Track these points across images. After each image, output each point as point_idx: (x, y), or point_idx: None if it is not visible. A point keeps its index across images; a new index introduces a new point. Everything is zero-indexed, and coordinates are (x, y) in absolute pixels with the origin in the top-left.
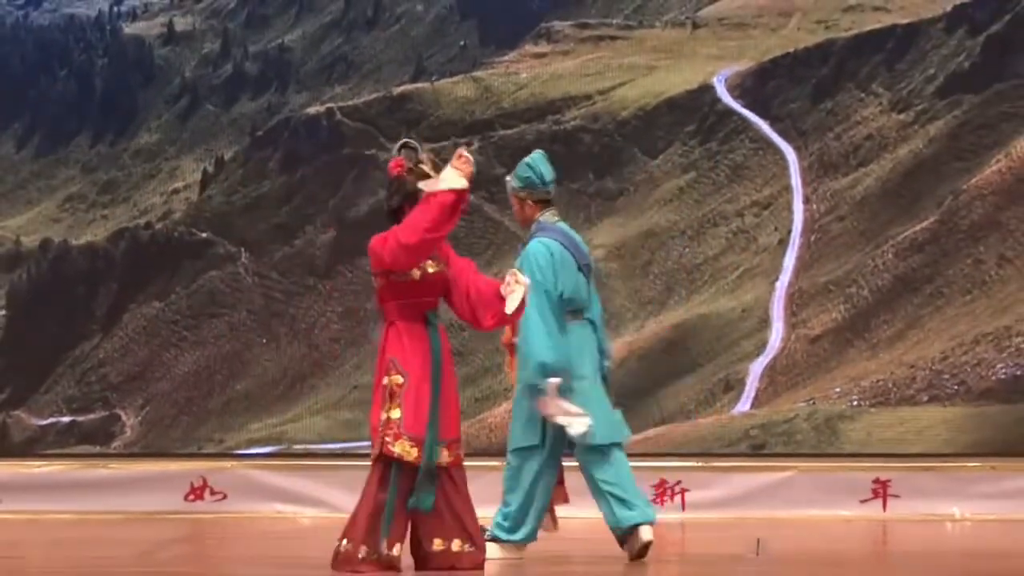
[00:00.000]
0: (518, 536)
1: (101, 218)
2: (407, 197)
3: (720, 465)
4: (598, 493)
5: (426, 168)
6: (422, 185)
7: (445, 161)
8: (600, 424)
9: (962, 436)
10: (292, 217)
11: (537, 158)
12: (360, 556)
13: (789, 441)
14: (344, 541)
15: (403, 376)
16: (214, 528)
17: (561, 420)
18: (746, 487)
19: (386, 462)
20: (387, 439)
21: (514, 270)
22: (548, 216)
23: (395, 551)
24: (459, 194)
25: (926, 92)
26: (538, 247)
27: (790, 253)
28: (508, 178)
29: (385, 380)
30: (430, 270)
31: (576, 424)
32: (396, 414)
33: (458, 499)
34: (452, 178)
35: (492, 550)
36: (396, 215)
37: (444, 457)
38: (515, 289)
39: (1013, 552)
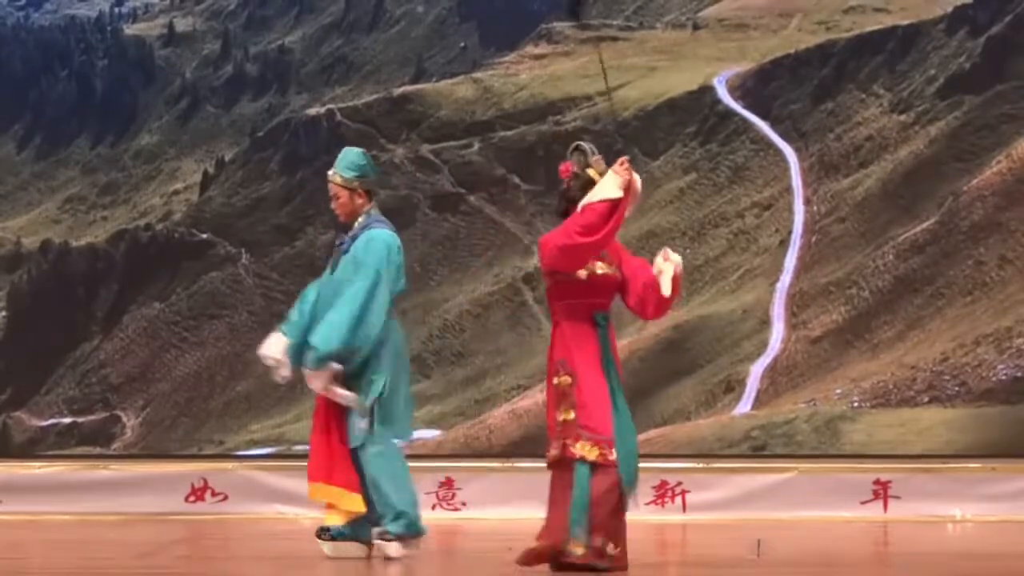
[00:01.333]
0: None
1: (101, 219)
2: (572, 202)
3: (721, 466)
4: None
5: (593, 172)
6: (586, 200)
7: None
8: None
9: (963, 437)
10: (292, 218)
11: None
12: (565, 551)
13: (790, 442)
14: (543, 542)
15: (571, 376)
16: (215, 529)
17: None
18: (747, 488)
19: (569, 464)
20: (567, 441)
21: (665, 248)
22: (375, 210)
23: (609, 549)
24: (613, 203)
25: (927, 93)
26: (387, 236)
27: (791, 254)
28: (333, 171)
29: (555, 381)
30: (599, 271)
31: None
32: (571, 415)
33: None
34: (609, 187)
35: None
36: (564, 218)
37: None
38: (664, 268)
39: (1014, 553)
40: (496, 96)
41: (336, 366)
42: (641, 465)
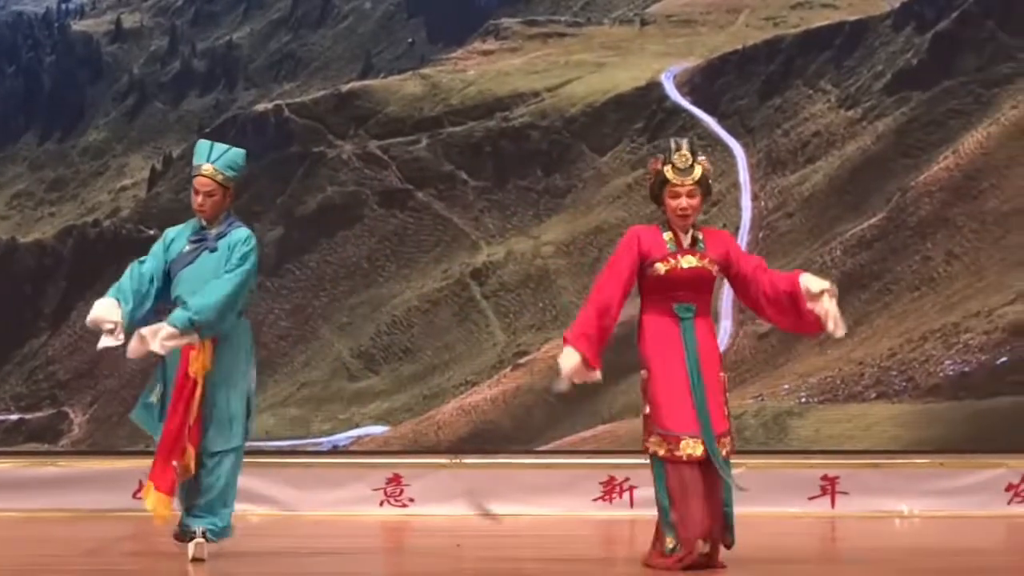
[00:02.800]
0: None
1: (49, 215)
2: (652, 198)
3: None
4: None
5: (668, 167)
6: None
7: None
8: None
9: (910, 433)
10: (240, 214)
11: None
12: (653, 551)
13: (737, 438)
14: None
15: (647, 370)
16: (162, 525)
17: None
18: None
19: (651, 458)
20: (644, 435)
21: (832, 285)
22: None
23: (700, 547)
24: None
25: (874, 89)
26: (253, 236)
27: None
28: (212, 168)
29: (640, 375)
30: (683, 265)
31: None
32: (647, 409)
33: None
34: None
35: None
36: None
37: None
38: (829, 308)
39: (961, 548)
40: (444, 92)
41: (191, 338)
42: (589, 461)
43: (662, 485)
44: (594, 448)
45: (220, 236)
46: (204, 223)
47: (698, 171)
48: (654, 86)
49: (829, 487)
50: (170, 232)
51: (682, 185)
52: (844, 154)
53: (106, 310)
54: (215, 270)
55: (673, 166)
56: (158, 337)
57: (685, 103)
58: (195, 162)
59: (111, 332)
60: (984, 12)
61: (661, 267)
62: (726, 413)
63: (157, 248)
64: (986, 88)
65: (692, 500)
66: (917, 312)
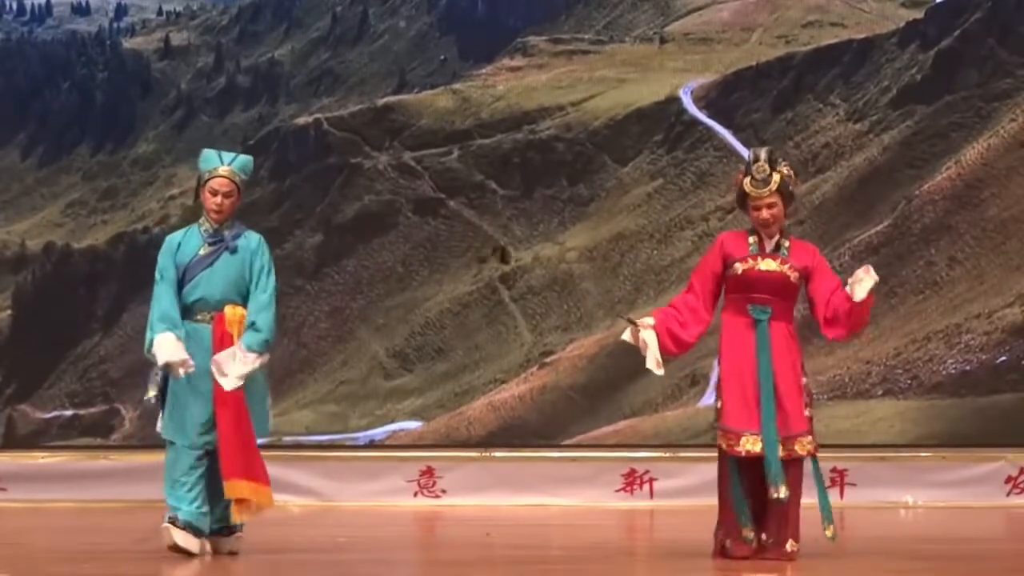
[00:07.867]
0: None
1: (101, 223)
2: (738, 204)
3: (686, 455)
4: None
5: (748, 180)
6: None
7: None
8: None
9: (915, 428)
10: (282, 222)
11: None
12: (724, 545)
13: None
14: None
15: (720, 366)
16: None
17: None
18: (710, 476)
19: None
20: (716, 426)
21: (869, 266)
22: None
23: (746, 533)
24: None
25: (880, 103)
26: (264, 241)
27: None
28: (230, 170)
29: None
30: (761, 267)
31: None
32: (719, 404)
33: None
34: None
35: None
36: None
37: (781, 451)
38: (863, 279)
39: (962, 537)
40: (474, 106)
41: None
42: (611, 455)
43: (734, 478)
44: (616, 442)
45: (236, 237)
46: (216, 225)
47: (776, 180)
48: (673, 100)
49: (839, 479)
50: (174, 238)
51: (760, 197)
52: (852, 165)
53: (175, 350)
54: (238, 270)
55: (752, 178)
56: (238, 365)
57: (702, 116)
58: (208, 167)
59: (183, 364)
60: (984, 31)
61: (739, 267)
62: (807, 415)
63: (166, 259)
64: (986, 102)
65: (743, 493)
66: (921, 314)
